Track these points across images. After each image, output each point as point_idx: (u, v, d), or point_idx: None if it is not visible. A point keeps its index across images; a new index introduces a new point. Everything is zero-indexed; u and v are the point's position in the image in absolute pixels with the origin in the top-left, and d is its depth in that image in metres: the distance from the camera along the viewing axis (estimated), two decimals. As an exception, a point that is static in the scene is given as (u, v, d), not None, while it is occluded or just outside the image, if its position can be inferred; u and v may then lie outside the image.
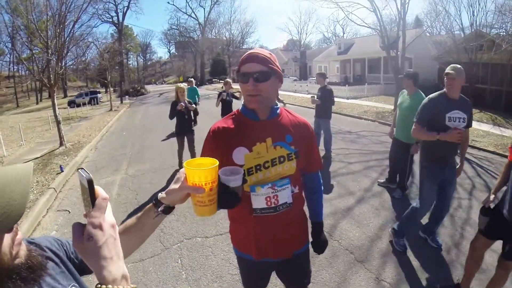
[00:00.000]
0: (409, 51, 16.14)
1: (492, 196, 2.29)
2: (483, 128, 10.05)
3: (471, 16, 15.86)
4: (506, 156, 6.92)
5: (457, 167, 3.01)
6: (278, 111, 1.39)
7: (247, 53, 1.31)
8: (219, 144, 1.34)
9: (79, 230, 0.64)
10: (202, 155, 1.33)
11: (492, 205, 2.26)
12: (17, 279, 0.61)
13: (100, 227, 0.63)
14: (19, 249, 0.64)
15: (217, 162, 0.89)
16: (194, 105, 5.29)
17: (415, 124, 2.86)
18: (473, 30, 15.98)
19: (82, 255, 0.63)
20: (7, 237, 0.61)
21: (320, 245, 1.59)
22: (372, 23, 16.01)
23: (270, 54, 1.31)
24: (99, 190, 0.67)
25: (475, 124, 10.75)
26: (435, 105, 2.76)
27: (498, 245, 3.08)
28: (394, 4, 12.38)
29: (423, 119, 2.82)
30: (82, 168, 0.66)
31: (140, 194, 5.04)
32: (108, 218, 0.66)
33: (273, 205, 1.34)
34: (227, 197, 0.96)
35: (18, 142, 11.12)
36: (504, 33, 15.09)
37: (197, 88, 10.12)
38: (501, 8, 15.04)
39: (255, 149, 1.31)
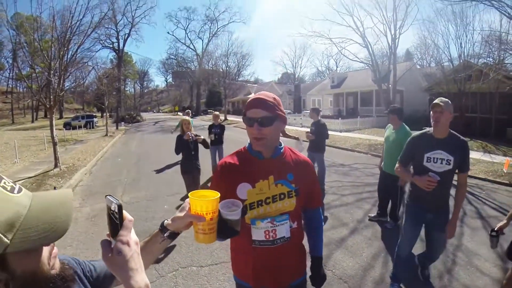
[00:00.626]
0: (400, 83, 16.74)
1: (503, 222, 2.39)
2: (473, 156, 10.32)
3: (459, 48, 16.69)
4: (497, 183, 7.13)
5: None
6: (282, 150, 1.50)
7: (252, 97, 1.40)
8: (226, 179, 1.45)
9: (107, 246, 0.78)
10: (210, 188, 1.41)
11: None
12: None
13: (127, 243, 0.77)
14: (55, 262, 0.76)
15: (218, 195, 1.00)
16: (201, 136, 5.03)
17: (398, 163, 2.80)
18: (461, 61, 16.67)
19: (111, 267, 0.76)
20: (45, 250, 0.72)
21: (319, 279, 1.62)
22: (364, 58, 16.72)
23: (274, 98, 1.41)
24: (125, 213, 0.81)
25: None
26: (414, 144, 2.67)
27: (493, 270, 3.16)
28: (385, 39, 13.10)
29: (403, 158, 2.76)
30: (109, 195, 0.80)
31: (135, 221, 4.96)
32: (133, 236, 0.80)
33: (271, 239, 1.42)
34: (225, 229, 1.06)
35: (12, 159, 11.09)
36: (492, 62, 15.74)
37: (192, 120, 10.14)
38: (487, 38, 15.77)
39: (257, 185, 1.42)
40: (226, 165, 1.49)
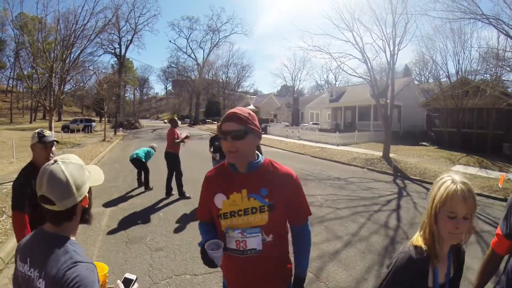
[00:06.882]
0: (398, 99, 16.86)
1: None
2: (470, 171, 10.42)
3: (456, 64, 16.93)
4: (492, 198, 7.15)
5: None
6: (259, 165, 1.51)
7: (228, 112, 1.45)
8: (208, 188, 1.58)
9: None
10: (200, 197, 1.64)
11: None
12: None
13: None
14: None
15: (105, 270, 1.26)
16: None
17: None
18: (459, 77, 16.87)
19: None
20: None
21: None
22: (363, 73, 16.87)
23: (249, 113, 1.45)
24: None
25: (461, 168, 11.14)
26: None
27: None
28: (384, 55, 13.25)
29: None
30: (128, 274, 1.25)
31: (130, 228, 5.04)
32: None
33: (241, 249, 1.46)
34: (210, 263, 1.40)
35: (9, 158, 11.05)
36: (489, 78, 15.89)
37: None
38: (485, 55, 16.02)
39: (231, 197, 1.48)
40: (208, 177, 1.62)
